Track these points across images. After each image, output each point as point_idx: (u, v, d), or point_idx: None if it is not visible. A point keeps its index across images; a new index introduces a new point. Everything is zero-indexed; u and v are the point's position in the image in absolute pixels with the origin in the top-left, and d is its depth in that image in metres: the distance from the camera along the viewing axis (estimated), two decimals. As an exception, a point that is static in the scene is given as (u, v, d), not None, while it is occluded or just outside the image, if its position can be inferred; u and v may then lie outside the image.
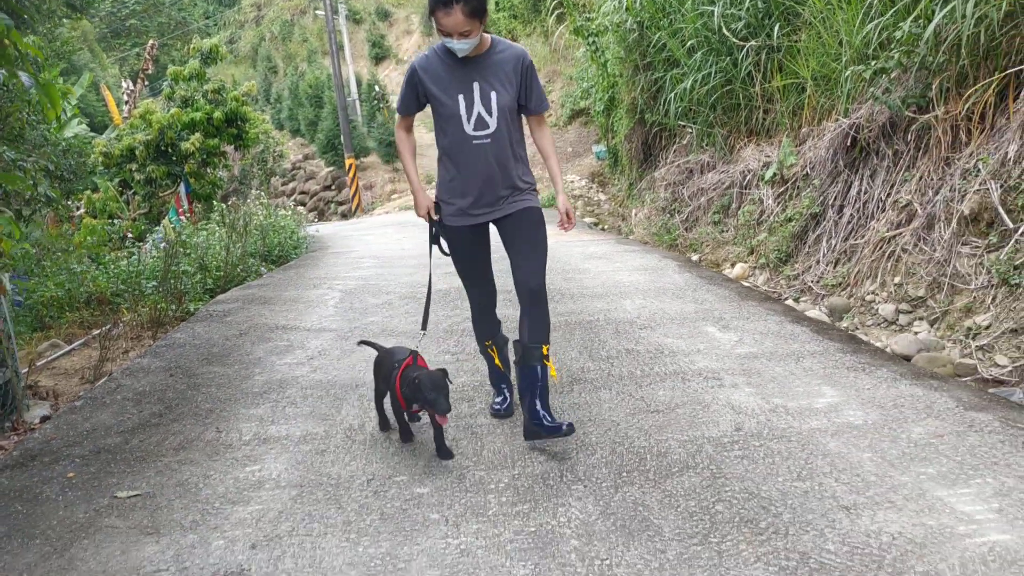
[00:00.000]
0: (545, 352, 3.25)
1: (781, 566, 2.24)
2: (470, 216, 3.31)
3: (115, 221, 11.81)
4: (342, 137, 21.38)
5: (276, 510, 2.79)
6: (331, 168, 23.95)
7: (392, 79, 30.95)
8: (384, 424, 3.54)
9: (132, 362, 4.69)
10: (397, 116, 3.43)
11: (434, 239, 3.42)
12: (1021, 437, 3.03)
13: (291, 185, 24.79)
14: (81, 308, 6.17)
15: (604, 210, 14.54)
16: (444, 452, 3.18)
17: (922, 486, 2.67)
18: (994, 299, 5.23)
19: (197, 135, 12.30)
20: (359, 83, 25.55)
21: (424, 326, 3.44)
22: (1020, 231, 4.94)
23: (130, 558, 2.52)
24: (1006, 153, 5.47)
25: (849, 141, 7.03)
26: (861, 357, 4.23)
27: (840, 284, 6.61)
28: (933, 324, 5.54)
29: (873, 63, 6.52)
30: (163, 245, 8.08)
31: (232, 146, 13.30)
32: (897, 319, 5.70)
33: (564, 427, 3.11)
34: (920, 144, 6.48)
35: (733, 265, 8.21)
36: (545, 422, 3.15)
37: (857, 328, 5.62)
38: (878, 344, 5.00)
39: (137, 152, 12.42)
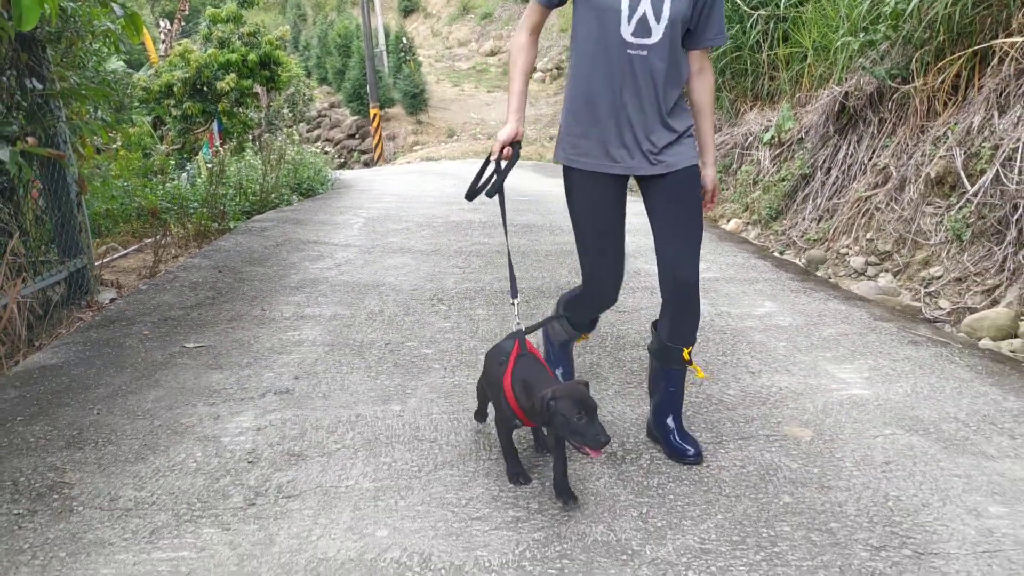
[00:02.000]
0: (687, 356, 2.61)
1: (691, 402, 3.00)
2: (607, 160, 2.52)
3: (150, 154, 12.56)
4: (368, 87, 21.98)
5: (312, 358, 3.55)
6: (356, 117, 24.58)
7: (419, 32, 31.41)
8: (482, 413, 2.84)
9: (184, 261, 5.46)
10: (530, 5, 2.59)
11: (499, 183, 2.54)
12: (909, 338, 3.76)
13: (316, 132, 25.45)
14: (133, 221, 6.93)
15: (617, 169, 15.09)
16: (565, 492, 2.31)
17: (816, 363, 3.41)
18: (947, 253, 5.89)
19: (232, 75, 13.00)
20: (387, 35, 26.06)
21: (514, 293, 2.57)
22: (972, 191, 5.58)
23: (201, 381, 3.29)
24: (971, 123, 6.08)
25: (839, 108, 7.64)
26: (807, 284, 4.95)
27: (820, 239, 7.27)
28: (896, 275, 6.20)
29: (862, 35, 7.12)
30: (195, 177, 8.82)
31: (264, 88, 13.99)
32: (866, 271, 6.36)
33: (691, 453, 2.60)
34: (901, 113, 7.09)
35: (729, 220, 8.84)
36: (673, 441, 2.62)
37: (830, 278, 6.29)
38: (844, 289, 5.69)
39: (175, 89, 13.14)
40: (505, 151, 2.53)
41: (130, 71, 15.87)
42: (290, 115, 16.87)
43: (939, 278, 5.68)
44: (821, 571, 1.97)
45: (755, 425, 2.81)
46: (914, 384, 3.18)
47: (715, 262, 5.54)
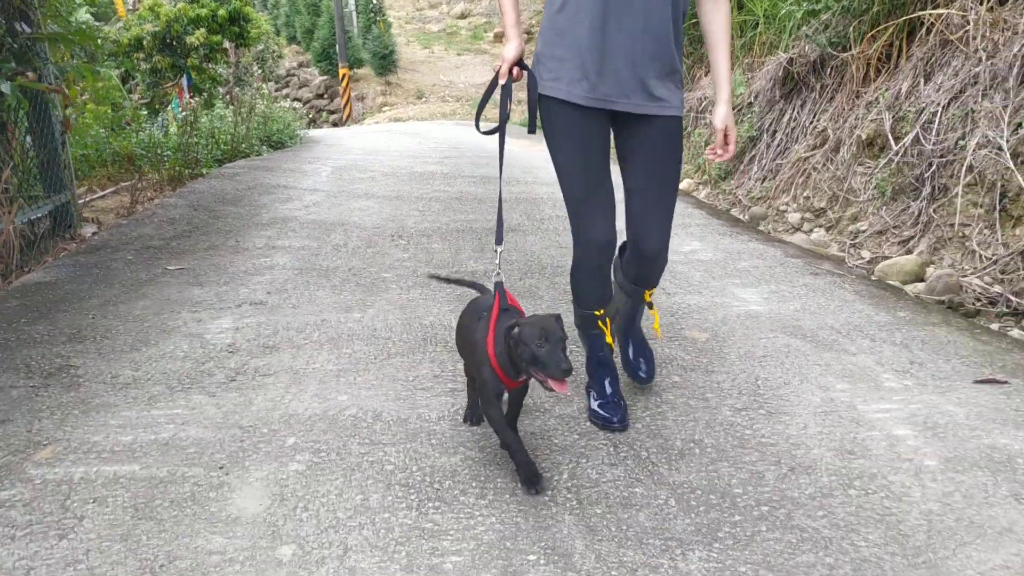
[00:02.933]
0: (648, 298, 2.58)
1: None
2: (595, 95, 2.27)
3: (119, 108, 12.73)
4: (337, 47, 22.09)
5: (283, 279, 4.00)
6: (324, 77, 24.67)
7: (389, -7, 31.34)
8: (473, 415, 2.49)
9: (161, 200, 5.83)
10: None
11: (506, 114, 2.30)
12: (811, 270, 4.31)
13: (284, 91, 25.49)
14: (109, 166, 7.25)
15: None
16: (533, 480, 2.09)
17: (725, 287, 3.93)
18: (873, 209, 6.44)
19: (202, 30, 13.16)
20: (357, -6, 26.06)
21: (499, 239, 2.31)
22: (895, 152, 6.11)
23: (184, 295, 3.72)
24: (900, 89, 6.60)
25: (785, 74, 8.14)
26: (734, 229, 5.47)
27: (763, 197, 7.79)
28: (828, 230, 6.74)
29: (805, 4, 7.60)
30: (166, 129, 9.09)
31: (234, 44, 14.16)
32: (802, 226, 6.90)
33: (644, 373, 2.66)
34: (839, 79, 7.61)
35: (681, 180, 9.34)
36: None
37: (770, 232, 6.81)
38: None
39: (145, 42, 13.27)
40: (515, 71, 2.32)
41: (97, 23, 15.89)
42: (259, 72, 17.01)
43: (864, 231, 6.24)
44: (691, 423, 2.49)
45: (662, 330, 3.32)
46: (804, 303, 3.71)
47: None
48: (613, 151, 2.46)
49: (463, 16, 29.46)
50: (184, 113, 8.45)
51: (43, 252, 4.63)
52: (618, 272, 2.64)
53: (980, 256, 4.80)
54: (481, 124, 2.50)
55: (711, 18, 2.37)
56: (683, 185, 8.91)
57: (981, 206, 5.11)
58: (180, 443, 2.32)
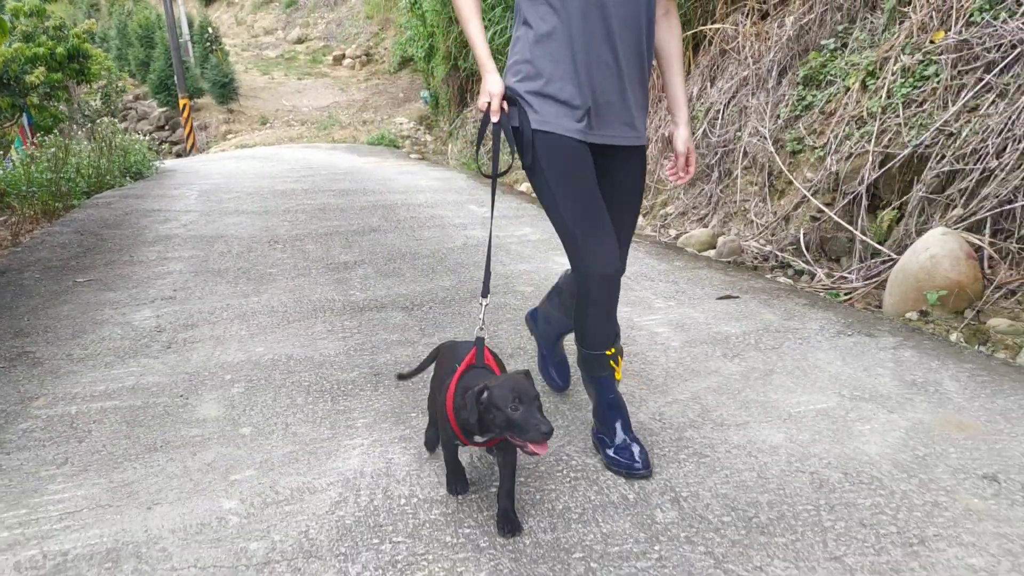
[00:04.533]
0: (610, 355, 2.41)
1: (463, 278, 4.52)
2: (587, 126, 2.24)
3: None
4: (176, 78, 22.12)
5: (183, 280, 4.76)
6: (164, 108, 24.52)
7: (223, 21, 31.32)
8: (432, 440, 2.49)
9: (45, 229, 6.36)
10: None
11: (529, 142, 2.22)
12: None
13: (123, 125, 25.11)
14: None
15: (429, 150, 16.54)
16: (508, 524, 2.05)
17: (548, 257, 5.05)
18: (677, 194, 7.77)
19: (41, 69, 13.25)
20: (191, 24, 26.02)
21: (485, 291, 2.25)
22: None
23: (101, 298, 4.43)
24: (692, 92, 7.99)
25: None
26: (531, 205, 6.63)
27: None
28: (644, 216, 8.02)
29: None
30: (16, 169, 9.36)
31: (75, 81, 14.26)
32: (619, 212, 8.15)
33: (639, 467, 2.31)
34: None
35: (521, 184, 10.47)
36: (622, 459, 2.33)
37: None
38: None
39: (-21, 83, 13.21)
40: (504, 105, 2.21)
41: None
42: (103, 107, 17.00)
43: (671, 214, 7.57)
44: (519, 337, 3.53)
45: (497, 292, 4.36)
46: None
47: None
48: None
49: (300, 41, 29.90)
50: (30, 150, 8.80)
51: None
52: (558, 296, 2.75)
53: (756, 224, 6.14)
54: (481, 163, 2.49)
55: (665, 36, 2.37)
56: (524, 188, 10.05)
57: (756, 184, 6.49)
58: (144, 386, 3.13)
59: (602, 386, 2.43)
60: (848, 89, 5.67)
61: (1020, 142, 4.31)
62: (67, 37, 13.76)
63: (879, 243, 4.79)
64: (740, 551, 1.91)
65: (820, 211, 5.28)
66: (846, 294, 4.46)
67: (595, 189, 2.25)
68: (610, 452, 2.35)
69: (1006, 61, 4.56)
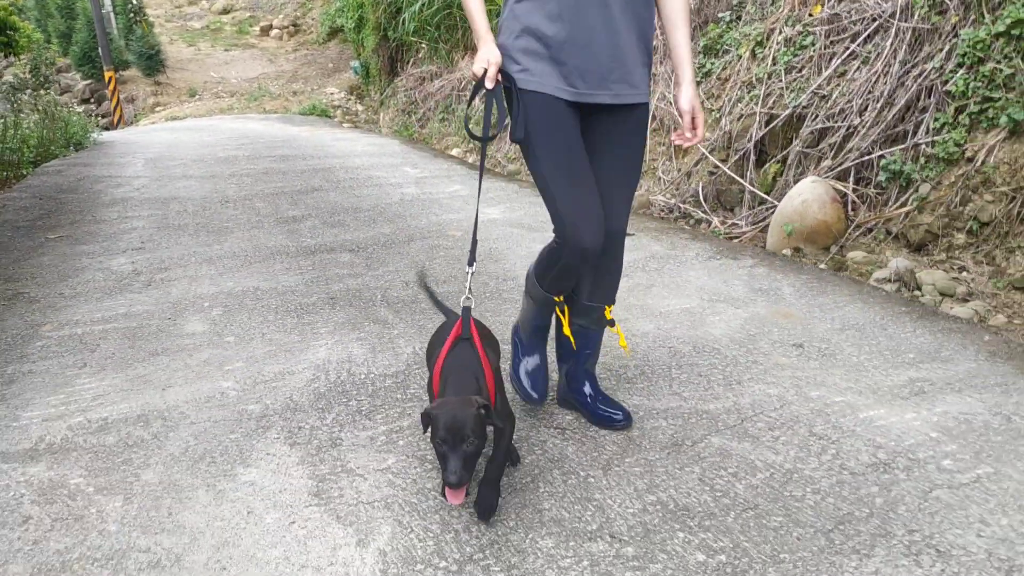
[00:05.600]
0: (608, 315, 2.45)
1: (400, 227, 5.19)
2: (574, 86, 2.21)
3: None
4: (100, 50, 21.90)
5: (148, 234, 5.31)
6: (89, 81, 24.23)
7: (146, -8, 30.77)
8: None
9: (2, 195, 6.77)
10: None
11: (501, 118, 2.22)
12: (537, 200, 6.22)
13: (46, 98, 24.68)
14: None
15: (361, 119, 16.94)
16: (485, 501, 1.99)
17: (481, 209, 5.73)
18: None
19: (-34, 42, 13.23)
20: (112, -5, 25.63)
21: (471, 260, 2.26)
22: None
23: (76, 250, 4.95)
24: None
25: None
26: (497, 177, 7.31)
27: (517, 158, 9.63)
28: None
29: None
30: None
31: (2, 54, 14.23)
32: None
33: (619, 418, 2.47)
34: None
35: (452, 148, 11.08)
36: (598, 410, 2.50)
37: (521, 177, 8.66)
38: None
39: (-97, 57, 13.11)
40: (496, 73, 2.18)
41: None
42: (32, 79, 16.89)
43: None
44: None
45: (431, 237, 5.03)
46: (526, 212, 5.60)
47: (427, 169, 7.82)
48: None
49: (226, 11, 29.66)
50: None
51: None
52: (534, 282, 2.51)
53: (663, 180, 6.91)
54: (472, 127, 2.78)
55: None
56: (455, 152, 10.66)
57: (663, 144, 7.25)
58: (135, 314, 3.74)
59: (540, 312, 2.54)
60: (740, 57, 6.46)
61: (878, 102, 5.16)
62: (-7, 9, 13.71)
63: (765, 193, 5.61)
64: (610, 393, 2.67)
65: (716, 167, 6.06)
66: (735, 237, 5.27)
67: (576, 146, 2.22)
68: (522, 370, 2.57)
69: (867, 32, 5.40)
